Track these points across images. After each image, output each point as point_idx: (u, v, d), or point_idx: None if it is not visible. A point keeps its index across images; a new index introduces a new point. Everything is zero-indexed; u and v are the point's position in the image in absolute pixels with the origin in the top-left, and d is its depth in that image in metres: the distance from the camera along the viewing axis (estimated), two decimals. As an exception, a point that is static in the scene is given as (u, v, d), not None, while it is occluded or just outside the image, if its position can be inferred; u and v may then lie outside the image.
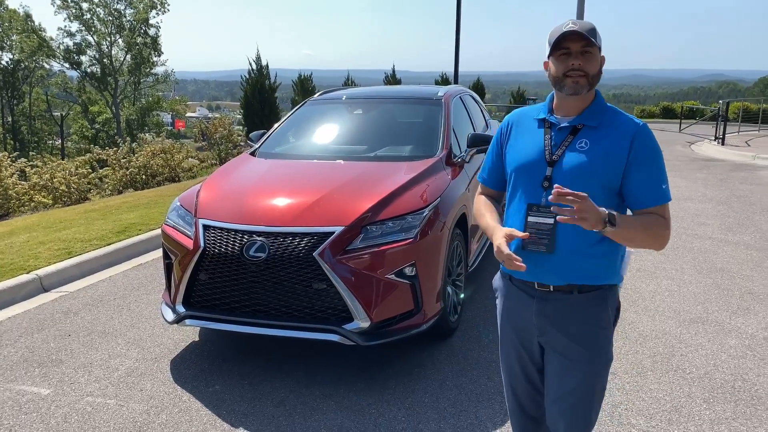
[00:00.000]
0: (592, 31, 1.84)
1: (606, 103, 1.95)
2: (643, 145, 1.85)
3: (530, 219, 1.90)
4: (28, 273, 5.16)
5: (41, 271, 5.22)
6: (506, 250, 1.82)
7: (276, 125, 5.43)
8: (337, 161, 4.46)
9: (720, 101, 20.33)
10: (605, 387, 2.01)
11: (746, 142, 17.14)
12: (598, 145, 1.87)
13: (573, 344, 1.93)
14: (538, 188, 1.91)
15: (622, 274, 2.00)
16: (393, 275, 3.43)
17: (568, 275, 1.90)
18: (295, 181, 4.12)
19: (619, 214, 1.78)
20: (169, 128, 46.66)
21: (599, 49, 1.88)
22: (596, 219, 1.70)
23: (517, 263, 1.80)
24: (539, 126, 1.99)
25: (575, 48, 1.85)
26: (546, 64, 1.94)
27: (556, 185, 1.69)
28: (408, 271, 3.48)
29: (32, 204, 9.87)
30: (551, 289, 1.94)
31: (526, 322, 2.01)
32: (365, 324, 3.35)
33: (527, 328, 2.02)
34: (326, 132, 5.17)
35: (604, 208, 1.74)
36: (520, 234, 1.85)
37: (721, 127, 16.75)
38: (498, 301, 2.15)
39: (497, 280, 2.15)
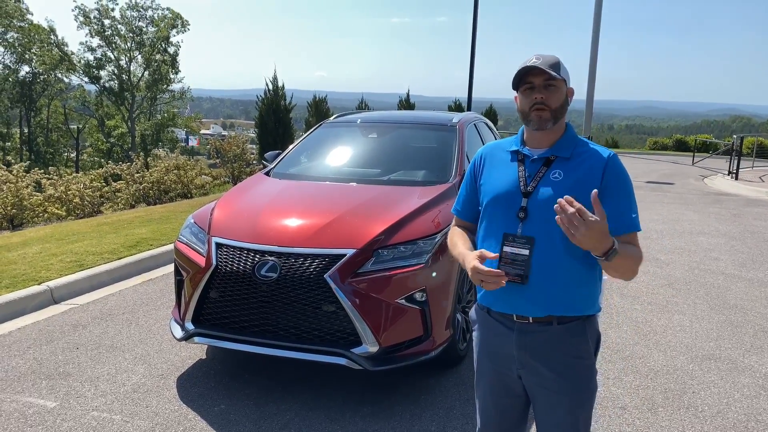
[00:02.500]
0: (556, 65, 1.90)
1: (577, 135, 2.01)
2: (614, 174, 1.89)
3: (506, 249, 1.91)
4: (39, 284, 5.19)
5: (52, 283, 5.25)
6: (483, 267, 1.82)
7: (291, 146, 5.48)
8: (351, 184, 4.48)
9: (734, 135, 20.29)
10: (591, 415, 2.02)
11: (760, 177, 17.04)
12: (572, 175, 1.91)
13: (555, 376, 1.93)
14: (513, 219, 1.93)
15: (600, 305, 2.02)
16: (403, 300, 3.42)
17: (546, 306, 1.91)
18: (308, 202, 4.14)
19: (620, 245, 1.76)
20: (183, 144, 47.13)
21: (565, 81, 1.94)
22: (602, 242, 1.68)
23: (498, 278, 1.80)
24: (512, 158, 2.03)
25: (538, 82, 1.91)
26: (516, 99, 2.00)
27: (566, 197, 1.69)
28: (418, 296, 3.47)
29: (46, 215, 9.97)
30: (530, 321, 1.94)
31: (505, 354, 2.00)
32: (374, 348, 3.33)
33: (506, 361, 2.01)
34: (340, 154, 5.21)
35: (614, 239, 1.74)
36: (491, 255, 1.86)
37: (735, 162, 16.70)
38: (475, 334, 2.15)
39: (474, 312, 2.15)
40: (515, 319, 1.96)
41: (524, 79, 1.93)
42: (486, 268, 1.82)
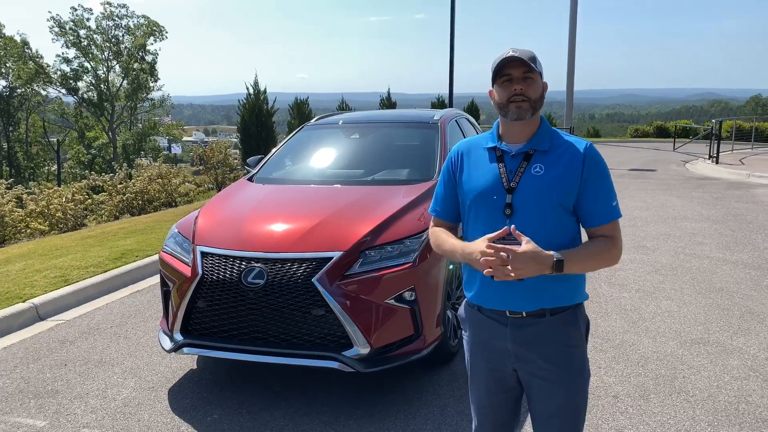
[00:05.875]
0: (532, 58, 1.91)
1: (552, 128, 2.02)
2: (593, 166, 1.92)
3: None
4: (24, 302, 5.12)
5: (37, 300, 5.17)
6: (497, 246, 1.78)
7: (273, 150, 5.45)
8: (335, 186, 4.47)
9: (713, 120, 20.52)
10: (587, 400, 2.04)
11: (740, 160, 17.26)
12: (553, 168, 1.92)
13: (551, 366, 1.95)
14: (500, 216, 1.92)
15: (586, 292, 2.05)
16: (392, 300, 3.41)
17: (539, 300, 1.92)
18: (293, 206, 4.12)
19: (567, 255, 1.81)
20: (166, 152, 46.76)
21: (540, 75, 1.94)
22: (535, 270, 1.76)
23: (502, 252, 1.76)
24: (491, 154, 2.01)
25: (516, 74, 1.91)
26: (491, 93, 2.00)
27: (512, 226, 1.78)
28: (407, 295, 3.46)
29: (28, 231, 9.83)
30: (524, 315, 1.95)
31: (500, 350, 2.00)
32: (365, 350, 3.32)
33: (501, 357, 2.01)
34: (323, 157, 5.19)
35: (554, 253, 1.79)
36: (499, 233, 1.81)
37: (715, 146, 16.89)
38: (466, 333, 2.13)
39: (464, 312, 2.13)
40: (508, 314, 1.96)
41: (502, 71, 1.92)
42: (497, 245, 1.77)
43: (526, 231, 1.87)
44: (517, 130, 1.97)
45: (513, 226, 1.79)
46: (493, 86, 1.98)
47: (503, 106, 1.94)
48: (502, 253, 1.76)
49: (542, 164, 1.93)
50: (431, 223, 2.22)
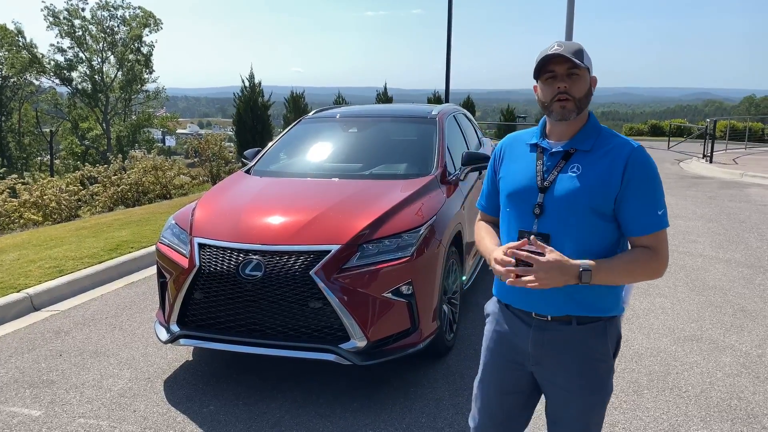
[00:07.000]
0: (579, 52, 1.80)
1: (600, 126, 1.90)
2: (637, 169, 1.78)
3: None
4: (18, 292, 5.10)
5: (32, 290, 5.16)
6: (501, 256, 1.75)
7: (271, 143, 5.44)
8: (333, 179, 4.47)
9: (707, 119, 20.60)
10: (603, 419, 1.96)
11: (734, 159, 17.36)
12: (591, 169, 1.81)
13: (569, 376, 1.87)
14: (529, 215, 1.85)
15: (624, 305, 1.93)
16: (389, 294, 3.42)
17: (565, 306, 1.83)
18: (291, 199, 4.12)
19: (596, 266, 1.72)
20: (160, 145, 46.55)
21: (588, 70, 1.83)
22: (560, 281, 1.70)
23: (509, 271, 1.73)
24: (531, 151, 1.93)
25: (560, 71, 1.80)
26: (536, 88, 1.90)
27: (533, 236, 1.73)
28: (404, 289, 3.47)
29: (22, 221, 9.78)
30: (549, 319, 1.87)
31: (520, 350, 1.93)
32: (362, 343, 3.33)
33: (520, 357, 1.94)
34: (321, 150, 5.19)
35: (582, 262, 1.72)
36: (518, 243, 1.76)
37: (709, 145, 16.97)
38: (488, 327, 2.06)
39: (491, 305, 2.08)
40: (534, 316, 1.89)
41: (546, 67, 1.81)
42: (502, 257, 1.74)
43: (553, 233, 1.80)
44: (562, 127, 1.88)
45: (533, 236, 1.74)
46: (537, 82, 1.87)
47: (547, 106, 1.84)
48: (522, 259, 1.71)
49: (580, 164, 1.83)
50: (478, 216, 2.20)
